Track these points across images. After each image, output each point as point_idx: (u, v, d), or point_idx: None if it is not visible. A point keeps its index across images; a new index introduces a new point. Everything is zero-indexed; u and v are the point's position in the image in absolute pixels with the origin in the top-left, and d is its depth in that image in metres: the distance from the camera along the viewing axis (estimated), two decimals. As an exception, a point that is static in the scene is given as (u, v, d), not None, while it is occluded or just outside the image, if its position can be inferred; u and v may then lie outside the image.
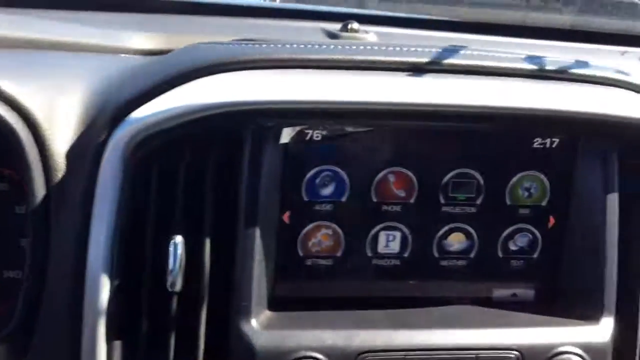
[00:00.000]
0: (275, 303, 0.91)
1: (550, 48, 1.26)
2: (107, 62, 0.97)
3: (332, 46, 0.90)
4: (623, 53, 1.33)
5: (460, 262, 0.96)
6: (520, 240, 0.96)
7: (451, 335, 0.89)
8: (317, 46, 0.90)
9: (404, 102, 0.86)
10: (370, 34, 1.12)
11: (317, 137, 0.88)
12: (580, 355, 0.89)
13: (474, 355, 0.88)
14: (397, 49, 0.93)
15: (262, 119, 0.84)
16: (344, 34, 1.11)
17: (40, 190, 0.85)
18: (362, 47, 0.92)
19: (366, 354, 0.85)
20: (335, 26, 1.14)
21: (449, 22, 1.39)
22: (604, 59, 1.20)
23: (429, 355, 0.87)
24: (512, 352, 0.88)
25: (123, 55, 1.07)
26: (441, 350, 0.88)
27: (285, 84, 0.84)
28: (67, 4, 1.22)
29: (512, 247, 0.97)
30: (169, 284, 0.82)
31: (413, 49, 0.93)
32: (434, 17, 1.43)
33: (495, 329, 0.90)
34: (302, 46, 0.91)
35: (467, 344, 0.89)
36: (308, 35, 1.18)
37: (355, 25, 1.12)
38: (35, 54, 0.99)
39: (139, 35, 1.10)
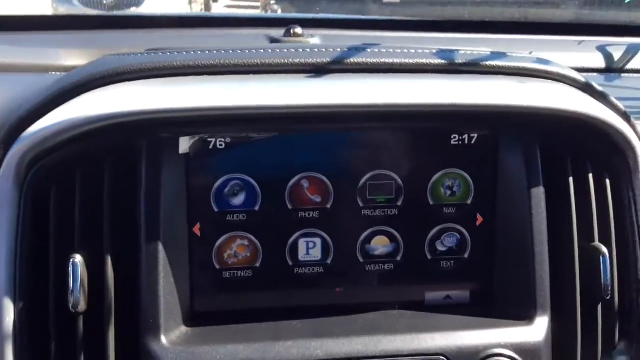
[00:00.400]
0: (194, 318, 0.89)
1: (501, 41, 1.23)
2: (19, 81, 0.96)
3: (231, 51, 0.88)
4: (580, 42, 1.29)
5: (387, 266, 0.93)
6: (448, 241, 0.93)
7: (373, 343, 0.86)
8: (215, 52, 0.88)
9: (306, 104, 0.84)
10: (315, 37, 1.10)
11: (221, 145, 0.86)
12: (510, 357, 0.85)
13: None
14: (307, 50, 0.91)
15: (155, 129, 0.82)
16: (287, 38, 1.09)
17: None
18: (268, 51, 0.90)
19: None
20: (280, 32, 1.13)
21: (402, 21, 1.36)
22: (559, 49, 1.18)
23: None
24: (438, 357, 0.85)
25: (51, 73, 1.06)
26: (362, 359, 0.85)
27: (178, 92, 0.82)
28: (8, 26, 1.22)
29: (441, 248, 0.93)
30: (71, 304, 0.81)
31: (323, 49, 0.91)
32: (385, 18, 1.41)
33: (422, 333, 0.87)
34: (206, 52, 0.89)
35: (389, 350, 0.85)
36: (250, 41, 1.17)
37: (298, 29, 1.10)
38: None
39: (69, 53, 1.09)
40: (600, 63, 1.17)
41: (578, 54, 1.17)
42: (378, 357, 0.85)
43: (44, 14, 1.31)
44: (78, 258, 0.81)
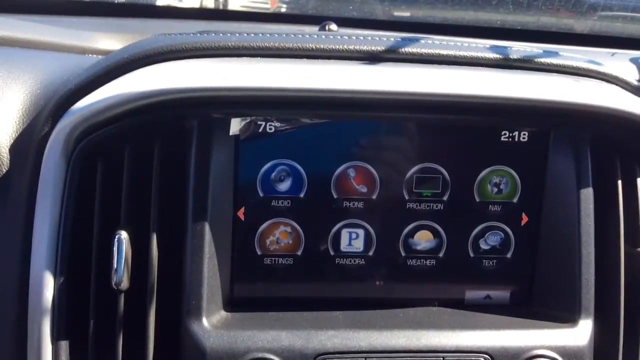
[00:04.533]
0: (233, 304, 0.87)
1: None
2: (60, 60, 0.95)
3: (284, 35, 0.87)
4: (613, 54, 1.29)
5: (429, 262, 0.91)
6: (492, 239, 0.92)
7: (415, 338, 0.84)
8: (269, 35, 0.87)
9: (359, 89, 0.83)
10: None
11: (271, 129, 0.85)
12: (553, 359, 0.84)
13: (440, 358, 0.83)
14: (360, 38, 0.90)
15: (207, 108, 0.81)
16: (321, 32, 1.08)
17: None
18: (321, 37, 0.89)
19: (324, 356, 0.81)
20: (313, 29, 1.12)
21: (431, 24, 1.36)
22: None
23: (391, 357, 0.82)
24: (482, 355, 0.83)
25: (89, 55, 1.05)
26: (404, 353, 0.83)
27: (232, 71, 0.81)
28: (41, 9, 1.22)
29: (484, 247, 0.92)
30: (114, 282, 0.79)
31: (376, 38, 0.90)
32: (416, 20, 1.40)
33: (464, 331, 0.85)
34: (259, 35, 0.88)
35: (432, 346, 0.84)
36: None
37: (333, 26, 1.09)
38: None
39: (106, 36, 1.08)
40: (634, 75, 1.17)
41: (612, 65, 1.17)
42: (422, 352, 0.83)
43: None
44: (123, 235, 0.79)
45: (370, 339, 0.83)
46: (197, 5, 1.53)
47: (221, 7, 1.41)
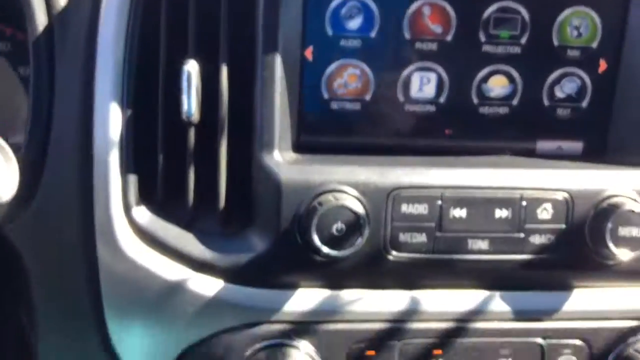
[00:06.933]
0: (300, 148, 0.83)
1: None
2: None
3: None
4: None
5: (502, 110, 0.87)
6: (568, 87, 0.87)
7: (492, 175, 0.81)
8: None
9: None
10: None
11: (343, -40, 0.79)
12: (634, 199, 0.81)
13: (518, 195, 0.80)
14: None
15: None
16: None
17: (41, 17, 0.77)
18: None
19: (399, 190, 0.78)
20: None
21: None
22: None
23: (469, 194, 0.79)
24: (561, 193, 0.80)
25: None
26: (482, 189, 0.80)
27: None
28: None
29: (559, 94, 0.88)
30: (184, 112, 0.75)
31: None
32: None
33: (542, 170, 0.82)
34: None
35: (510, 184, 0.81)
36: None
37: None
38: None
39: None
40: None
41: None
42: (500, 189, 0.80)
43: None
44: (192, 64, 0.75)
45: (446, 175, 0.80)
46: None
47: None
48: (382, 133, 0.86)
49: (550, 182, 0.81)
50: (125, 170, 0.77)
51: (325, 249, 0.76)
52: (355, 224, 0.76)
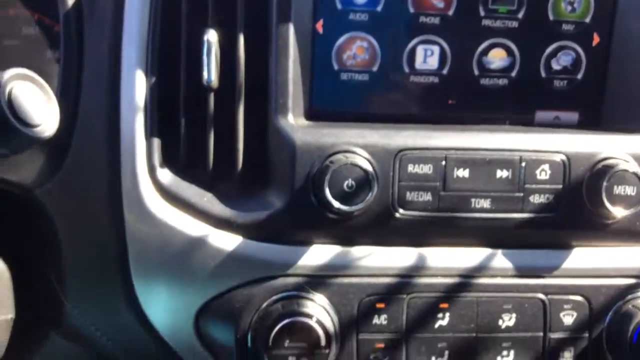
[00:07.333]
0: (312, 115, 0.89)
1: None
2: None
3: None
4: None
5: (502, 81, 0.93)
6: (564, 59, 0.93)
7: (493, 138, 0.87)
8: None
9: None
10: None
11: None
12: (627, 161, 0.86)
13: (518, 157, 0.85)
14: None
15: None
16: None
17: None
18: None
19: (407, 151, 0.83)
20: None
21: None
22: None
23: (471, 155, 0.84)
24: (558, 155, 0.85)
25: None
26: (483, 151, 0.85)
27: None
28: None
29: (555, 66, 0.93)
30: (204, 78, 0.81)
31: None
32: None
33: (540, 134, 0.87)
34: None
35: (510, 147, 0.86)
36: None
37: None
38: None
39: None
40: None
41: None
42: (500, 150, 0.85)
43: None
44: (212, 33, 0.81)
45: (449, 138, 0.85)
46: None
47: None
48: (389, 103, 0.92)
49: (548, 145, 0.86)
50: (149, 133, 0.83)
51: (337, 204, 0.81)
52: (364, 181, 0.81)
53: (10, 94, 0.63)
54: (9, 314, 0.80)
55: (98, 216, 0.86)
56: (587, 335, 0.89)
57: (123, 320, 0.88)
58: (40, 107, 0.64)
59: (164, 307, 0.86)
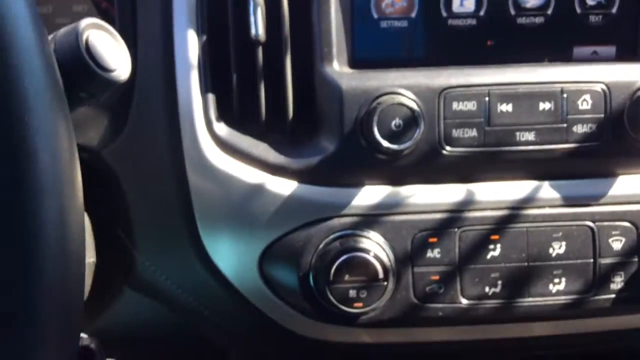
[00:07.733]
0: (355, 64, 0.93)
1: None
2: None
3: None
4: None
5: (538, 20, 0.95)
6: (598, -6, 0.95)
7: (535, 72, 0.89)
8: None
9: None
10: None
11: None
12: None
13: (559, 89, 0.88)
14: None
15: None
16: None
17: None
18: None
19: (450, 89, 0.87)
20: None
21: None
22: None
23: (513, 90, 0.88)
24: (599, 84, 0.88)
25: None
26: (525, 85, 0.88)
27: None
28: None
29: (590, 2, 0.95)
30: (252, 32, 0.86)
31: None
32: None
33: (579, 65, 0.90)
34: None
35: (551, 79, 0.89)
36: None
37: None
38: None
39: None
40: None
41: None
42: (542, 83, 0.88)
43: None
44: None
45: (491, 75, 0.89)
46: None
47: None
48: (429, 48, 0.95)
49: (588, 76, 0.89)
50: (204, 90, 0.88)
51: (385, 143, 0.85)
52: (411, 120, 0.85)
53: (87, 41, 0.68)
54: (91, 258, 0.86)
55: (162, 174, 0.91)
56: (636, 259, 0.92)
57: (193, 269, 0.93)
58: (114, 53, 0.69)
59: (229, 253, 0.91)
